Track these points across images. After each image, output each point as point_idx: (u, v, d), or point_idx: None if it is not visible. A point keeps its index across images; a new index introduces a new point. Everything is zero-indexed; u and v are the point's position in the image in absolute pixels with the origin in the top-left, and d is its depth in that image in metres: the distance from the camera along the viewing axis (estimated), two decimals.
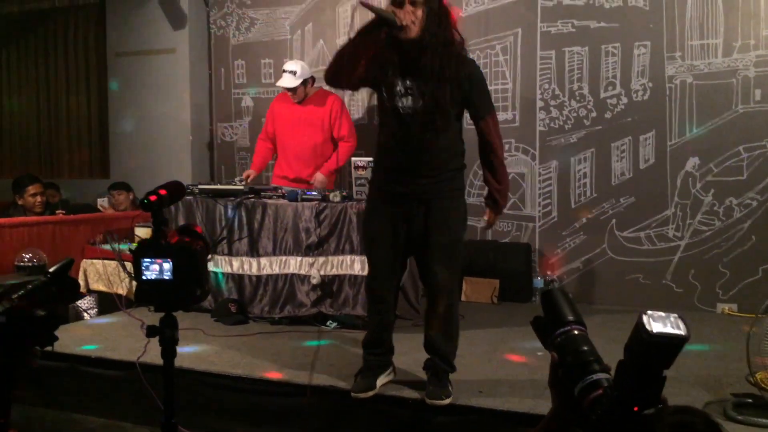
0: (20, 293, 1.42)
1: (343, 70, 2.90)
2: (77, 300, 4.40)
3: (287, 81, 4.89)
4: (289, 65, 4.96)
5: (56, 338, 1.42)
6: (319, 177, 4.91)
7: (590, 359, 1.07)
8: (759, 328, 2.69)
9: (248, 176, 5.04)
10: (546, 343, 1.15)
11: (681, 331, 0.94)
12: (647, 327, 0.94)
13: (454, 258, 2.97)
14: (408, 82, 2.86)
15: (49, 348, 1.42)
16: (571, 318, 1.13)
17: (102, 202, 6.01)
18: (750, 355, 2.69)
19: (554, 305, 1.16)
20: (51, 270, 1.53)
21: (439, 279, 2.93)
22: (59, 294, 1.51)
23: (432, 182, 2.90)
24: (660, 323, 0.95)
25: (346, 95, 5.29)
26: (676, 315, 0.96)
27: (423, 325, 3.10)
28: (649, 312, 0.96)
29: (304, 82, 4.92)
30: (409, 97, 2.86)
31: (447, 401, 2.89)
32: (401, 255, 3.03)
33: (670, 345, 0.94)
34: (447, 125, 2.88)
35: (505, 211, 5.24)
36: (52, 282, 1.50)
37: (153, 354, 2.72)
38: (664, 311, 0.99)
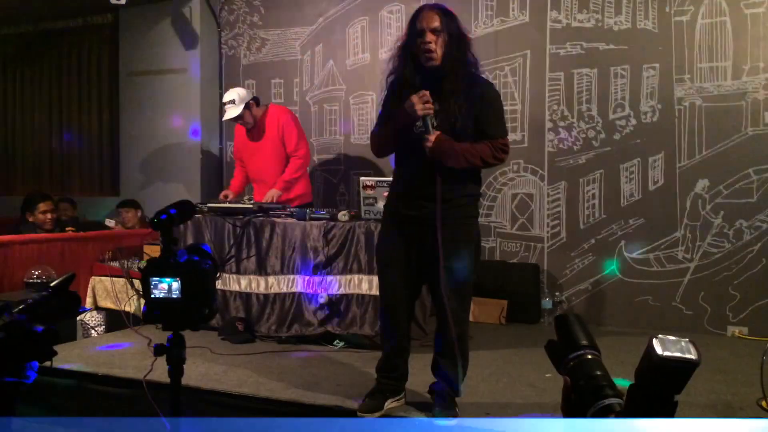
0: (21, 307, 1.43)
1: (387, 149, 3.09)
2: (78, 314, 4.41)
3: (230, 112, 4.96)
4: (226, 97, 5.06)
5: (55, 353, 1.42)
6: (269, 193, 4.93)
7: (603, 384, 1.06)
8: None
9: (226, 196, 5.08)
10: (559, 367, 1.14)
11: (692, 355, 0.94)
12: (658, 351, 0.93)
13: (465, 285, 2.96)
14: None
15: (48, 363, 1.42)
16: (584, 342, 1.13)
17: (109, 222, 6.03)
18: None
19: (568, 329, 1.15)
20: (52, 284, 1.54)
21: (449, 306, 2.90)
22: (60, 308, 1.51)
23: (445, 208, 2.87)
24: (671, 347, 0.94)
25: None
26: (687, 339, 0.96)
27: (431, 345, 3.08)
28: (659, 336, 0.96)
29: (248, 106, 4.96)
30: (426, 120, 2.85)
31: (454, 422, 2.88)
32: (414, 279, 3.02)
33: (681, 370, 0.94)
34: None
35: (513, 231, 5.32)
36: (54, 296, 1.50)
37: (160, 372, 2.72)
38: (673, 334, 0.98)
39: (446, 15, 2.91)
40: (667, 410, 0.96)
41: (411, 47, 2.89)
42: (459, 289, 2.92)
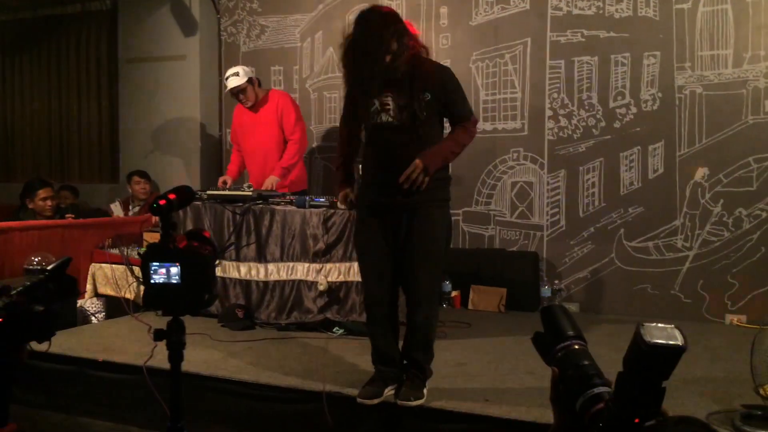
0: (18, 289, 1.45)
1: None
2: (75, 297, 4.41)
3: (233, 81, 4.99)
4: (230, 71, 5.09)
5: (53, 333, 1.44)
6: (268, 180, 4.94)
7: (591, 373, 1.08)
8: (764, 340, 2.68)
9: (224, 182, 5.09)
10: (547, 358, 1.15)
11: (679, 341, 0.95)
12: (645, 338, 0.95)
13: (435, 267, 3.02)
14: (384, 99, 2.95)
15: (46, 343, 1.44)
16: (571, 333, 1.14)
17: (114, 207, 6.05)
18: (754, 367, 2.69)
19: (554, 321, 1.17)
20: (49, 267, 1.55)
21: (418, 287, 2.98)
22: (57, 291, 1.53)
23: (415, 192, 2.91)
24: (657, 334, 0.95)
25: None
26: (672, 326, 0.97)
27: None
28: (646, 323, 0.97)
29: (251, 81, 5.03)
30: (386, 113, 2.95)
31: (416, 403, 2.92)
32: (392, 265, 3.03)
33: (668, 355, 0.95)
34: (426, 136, 2.94)
35: (513, 219, 5.33)
36: (50, 279, 1.52)
37: (160, 358, 2.73)
38: (672, 322, 1.00)
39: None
40: (656, 397, 0.97)
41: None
42: (430, 270, 2.98)
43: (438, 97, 2.95)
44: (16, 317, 1.38)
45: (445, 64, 3.43)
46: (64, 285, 1.55)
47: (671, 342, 0.94)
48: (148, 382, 3.14)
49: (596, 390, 1.04)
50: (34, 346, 1.46)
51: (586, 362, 1.09)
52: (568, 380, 1.09)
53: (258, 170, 5.13)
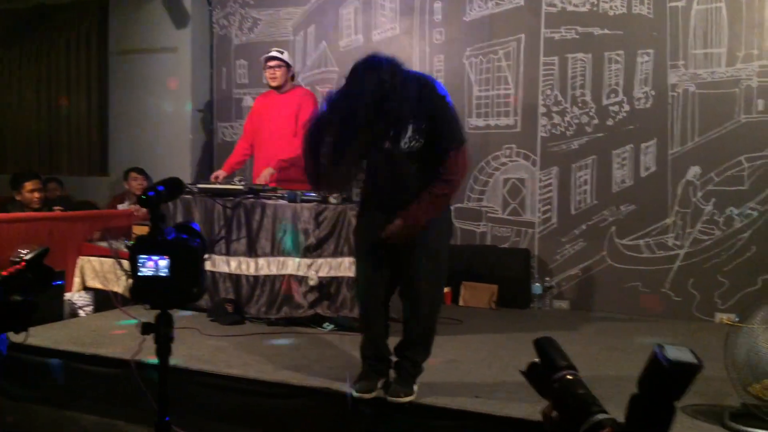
0: None
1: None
2: (51, 287, 4.37)
3: (275, 53, 5.00)
4: (275, 48, 5.13)
5: (30, 324, 1.41)
6: (264, 173, 4.88)
7: (589, 402, 1.12)
8: (745, 338, 2.70)
9: (216, 177, 5.02)
10: (541, 390, 1.19)
11: (695, 360, 1.00)
12: (667, 356, 0.99)
13: (436, 271, 2.98)
14: (377, 128, 2.81)
15: (24, 333, 1.41)
16: (563, 363, 1.18)
17: (121, 207, 5.93)
18: (728, 363, 2.71)
19: (544, 353, 1.21)
20: (27, 258, 1.52)
21: (419, 291, 2.94)
22: (35, 281, 1.50)
23: (414, 196, 2.86)
24: (675, 353, 1.00)
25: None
26: (685, 348, 1.02)
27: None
28: (661, 344, 1.02)
29: (289, 66, 5.02)
30: (380, 142, 2.83)
31: (406, 399, 2.91)
32: (388, 260, 3.01)
33: (686, 373, 0.99)
34: (421, 159, 2.84)
35: (504, 216, 5.32)
36: (28, 269, 1.49)
37: (148, 352, 2.70)
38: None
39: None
40: (668, 416, 1.02)
41: None
42: (431, 274, 2.94)
43: (428, 123, 2.82)
44: None
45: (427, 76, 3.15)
46: (42, 275, 1.53)
47: (689, 360, 0.99)
48: (135, 376, 3.11)
49: (598, 417, 1.08)
50: (12, 336, 1.44)
51: (582, 391, 1.13)
52: (567, 410, 1.13)
53: (264, 159, 5.02)
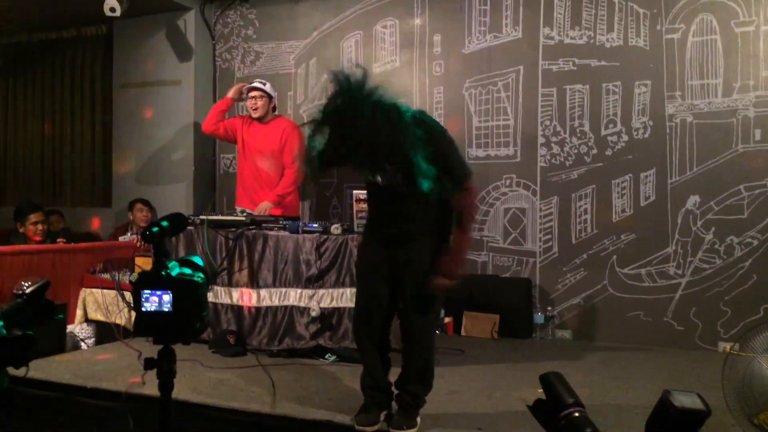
0: None
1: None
2: (53, 321, 4.37)
3: (257, 84, 5.12)
4: (257, 80, 5.25)
5: (30, 359, 1.41)
6: (262, 205, 4.98)
7: None
8: (745, 366, 2.69)
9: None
10: (548, 426, 1.19)
11: (704, 407, 1.03)
12: (674, 403, 1.00)
13: (431, 297, 2.98)
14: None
15: (24, 368, 1.41)
16: (570, 401, 1.18)
17: (123, 239, 5.97)
18: (726, 393, 2.70)
19: (552, 389, 1.21)
20: (27, 291, 1.53)
21: (414, 318, 2.96)
22: (36, 315, 1.51)
23: (415, 226, 2.95)
24: (684, 400, 1.03)
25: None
26: (695, 393, 1.05)
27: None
28: (671, 390, 1.05)
29: (271, 98, 5.14)
30: (381, 175, 2.86)
31: (409, 431, 2.91)
32: (388, 291, 3.02)
33: (694, 419, 1.02)
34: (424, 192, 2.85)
35: (505, 245, 5.34)
36: (28, 303, 1.50)
37: (149, 386, 2.70)
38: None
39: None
40: None
41: None
42: (425, 298, 2.96)
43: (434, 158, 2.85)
44: None
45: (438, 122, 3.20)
46: (42, 309, 1.53)
47: (698, 407, 1.02)
48: (126, 410, 3.09)
49: None
50: (12, 371, 1.44)
51: (589, 430, 1.14)
52: None
53: (249, 194, 5.14)
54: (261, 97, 5.09)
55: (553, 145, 5.24)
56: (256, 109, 5.10)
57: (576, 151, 5.18)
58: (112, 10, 5.57)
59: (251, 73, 6.31)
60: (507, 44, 5.40)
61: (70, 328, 4.70)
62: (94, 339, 4.79)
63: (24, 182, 7.43)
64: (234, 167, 6.40)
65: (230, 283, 4.53)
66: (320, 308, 4.27)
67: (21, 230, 5.29)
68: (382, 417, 3.01)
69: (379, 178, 2.87)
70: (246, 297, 4.48)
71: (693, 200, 4.84)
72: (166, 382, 1.87)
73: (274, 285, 4.44)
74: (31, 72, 7.36)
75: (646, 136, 4.99)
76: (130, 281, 1.88)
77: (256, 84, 5.15)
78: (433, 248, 2.97)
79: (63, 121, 7.17)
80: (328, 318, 4.27)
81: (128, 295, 4.17)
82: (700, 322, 4.79)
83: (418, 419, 2.97)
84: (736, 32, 4.75)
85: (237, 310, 4.50)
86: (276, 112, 5.32)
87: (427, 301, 2.97)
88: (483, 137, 5.47)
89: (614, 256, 5.05)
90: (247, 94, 5.17)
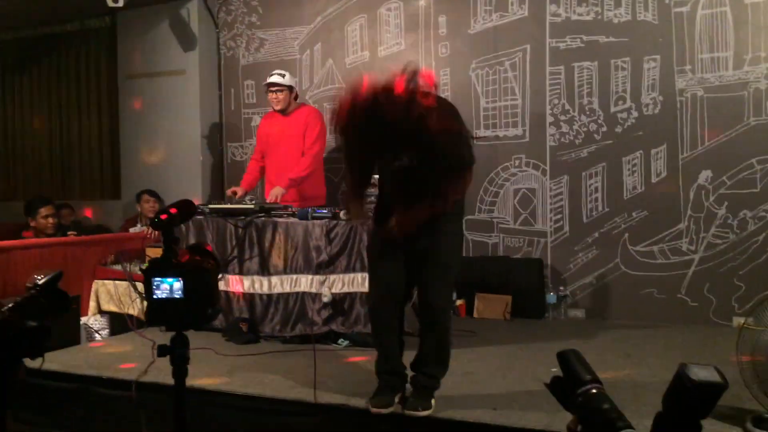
0: (10, 305, 1.42)
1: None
2: (67, 312, 4.40)
3: (276, 78, 5.06)
4: (276, 72, 5.15)
5: (46, 349, 1.41)
6: (274, 191, 4.94)
7: (613, 417, 1.12)
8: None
9: (234, 192, 5.07)
10: (565, 403, 1.19)
11: (721, 380, 1.02)
12: (690, 376, 1.00)
13: (448, 279, 3.01)
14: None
15: (39, 359, 1.41)
16: (588, 377, 1.18)
17: (134, 230, 5.99)
18: (741, 366, 2.68)
19: (569, 366, 1.21)
20: (41, 282, 1.53)
21: (433, 300, 2.96)
22: (50, 306, 1.51)
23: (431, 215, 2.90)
24: (701, 373, 1.02)
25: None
26: (712, 366, 1.04)
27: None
28: (687, 364, 1.04)
29: (291, 89, 5.09)
30: (397, 158, 2.86)
31: (424, 413, 2.91)
32: (403, 275, 3.01)
33: (712, 392, 1.02)
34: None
35: (516, 226, 5.31)
36: (42, 294, 1.50)
37: (165, 373, 2.70)
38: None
39: None
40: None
41: None
42: (444, 282, 2.97)
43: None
44: (8, 334, 1.36)
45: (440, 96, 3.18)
46: (56, 300, 1.53)
47: (715, 380, 1.02)
48: (133, 398, 3.11)
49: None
50: (28, 362, 1.44)
51: (607, 406, 1.13)
52: (592, 425, 1.13)
53: (275, 180, 5.09)
54: (281, 90, 5.06)
55: (562, 123, 5.19)
56: (278, 102, 5.08)
57: (585, 129, 5.13)
58: (115, 0, 5.55)
59: (255, 60, 6.29)
60: (513, 23, 5.35)
61: (83, 320, 4.73)
62: (108, 330, 4.82)
63: (33, 177, 7.45)
64: (241, 156, 6.40)
65: (241, 271, 4.53)
66: (332, 294, 4.27)
67: (32, 224, 5.32)
68: (396, 399, 3.02)
69: (405, 160, 2.84)
70: (257, 284, 4.49)
71: (705, 175, 4.79)
72: (180, 367, 1.87)
73: (285, 272, 4.44)
74: (36, 67, 7.36)
75: (657, 111, 4.93)
76: (142, 270, 1.88)
77: (274, 78, 5.08)
78: (450, 229, 2.96)
79: (70, 114, 7.18)
80: (339, 303, 4.27)
81: (140, 286, 4.18)
82: (714, 298, 4.76)
83: (433, 401, 2.98)
84: (746, 3, 4.67)
85: (249, 297, 4.51)
86: (298, 101, 5.28)
87: (446, 283, 2.97)
88: (491, 118, 5.42)
89: (626, 234, 5.01)
90: (267, 88, 5.13)
